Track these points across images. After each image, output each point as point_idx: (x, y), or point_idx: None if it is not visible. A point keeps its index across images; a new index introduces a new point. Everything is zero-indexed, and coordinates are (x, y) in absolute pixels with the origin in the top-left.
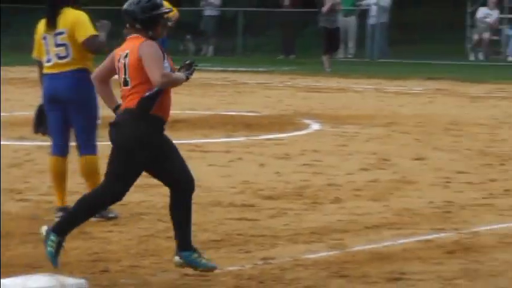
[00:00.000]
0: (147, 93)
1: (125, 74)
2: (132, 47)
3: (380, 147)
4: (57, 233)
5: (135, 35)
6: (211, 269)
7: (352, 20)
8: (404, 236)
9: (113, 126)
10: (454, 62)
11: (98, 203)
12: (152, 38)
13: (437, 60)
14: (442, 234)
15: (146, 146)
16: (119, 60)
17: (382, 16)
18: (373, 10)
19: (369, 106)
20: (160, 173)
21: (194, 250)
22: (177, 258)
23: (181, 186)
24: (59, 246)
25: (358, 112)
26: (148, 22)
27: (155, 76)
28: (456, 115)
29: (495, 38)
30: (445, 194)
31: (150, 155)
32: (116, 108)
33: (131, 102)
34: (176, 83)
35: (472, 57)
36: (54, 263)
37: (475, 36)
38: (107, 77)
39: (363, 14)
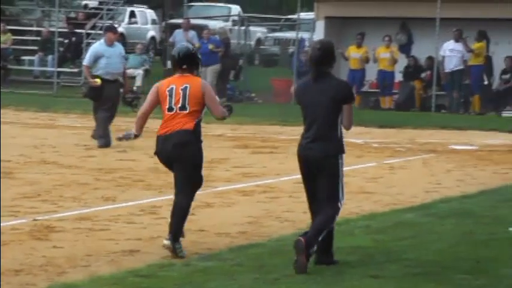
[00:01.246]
0: (198, 119)
1: (184, 102)
2: (192, 82)
3: None
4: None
5: (186, 74)
6: None
7: None
8: None
9: (179, 145)
10: None
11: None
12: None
13: None
14: None
15: None
16: (170, 90)
17: None
18: None
19: None
20: None
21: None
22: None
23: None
24: None
25: None
26: (199, 64)
27: (219, 109)
28: None
29: None
30: None
31: None
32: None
33: (189, 125)
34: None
35: None
36: None
37: None
38: (151, 110)
39: None
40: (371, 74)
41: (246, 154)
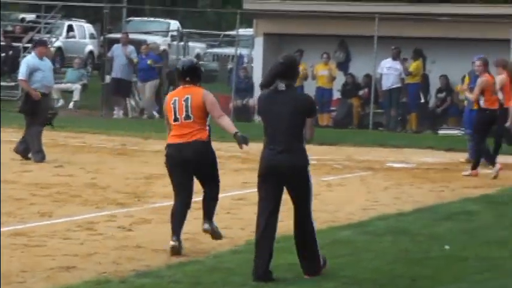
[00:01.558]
0: (208, 129)
1: (188, 111)
2: (194, 93)
3: None
4: None
5: (189, 85)
6: None
7: None
8: None
9: (199, 153)
10: None
11: None
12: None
13: None
14: None
15: None
16: (174, 103)
17: None
18: None
19: None
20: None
21: None
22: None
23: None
24: None
25: None
26: (201, 76)
27: (221, 116)
28: None
29: None
30: None
31: None
32: None
33: (202, 135)
34: None
35: None
36: None
37: None
38: None
39: None
40: (309, 91)
41: None
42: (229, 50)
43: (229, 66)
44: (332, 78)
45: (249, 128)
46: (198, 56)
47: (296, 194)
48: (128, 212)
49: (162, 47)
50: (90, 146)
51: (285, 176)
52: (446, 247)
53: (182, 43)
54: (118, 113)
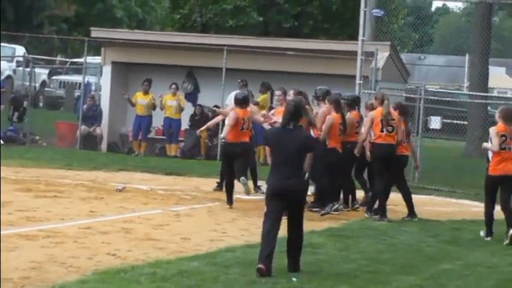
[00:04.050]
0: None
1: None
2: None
3: None
4: None
5: (246, 109)
6: None
7: None
8: None
9: (244, 148)
10: None
11: None
12: None
13: None
14: None
15: None
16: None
17: None
18: None
19: None
20: None
21: None
22: None
23: None
24: None
25: None
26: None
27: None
28: None
29: None
30: None
31: None
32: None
33: (247, 138)
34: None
35: None
36: None
37: None
38: None
39: None
40: (157, 121)
41: (30, 198)
42: (76, 78)
43: (77, 93)
44: (180, 109)
45: (95, 157)
46: (44, 83)
47: (294, 209)
48: None
49: (6, 72)
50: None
51: (289, 196)
52: (294, 279)
53: (28, 69)
54: None
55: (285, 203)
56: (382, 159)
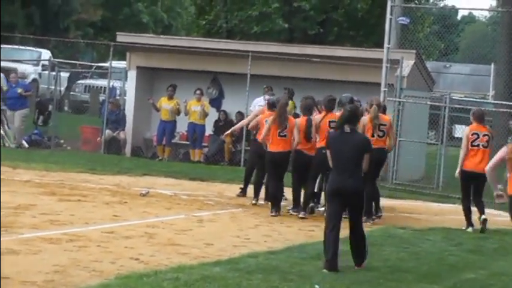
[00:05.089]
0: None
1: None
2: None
3: None
4: None
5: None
6: None
7: None
8: None
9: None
10: None
11: None
12: None
13: None
14: None
15: None
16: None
17: None
18: None
19: None
20: None
21: None
22: None
23: None
24: None
25: None
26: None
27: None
28: None
29: None
30: None
31: None
32: None
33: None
34: None
35: None
36: None
37: None
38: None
39: None
40: (182, 126)
41: (54, 201)
42: (101, 82)
43: (102, 98)
44: (205, 115)
45: (119, 161)
46: (68, 87)
47: (355, 209)
48: None
49: (32, 76)
50: None
51: (349, 195)
52: (316, 286)
53: (54, 73)
54: None
55: (344, 204)
56: (372, 163)
